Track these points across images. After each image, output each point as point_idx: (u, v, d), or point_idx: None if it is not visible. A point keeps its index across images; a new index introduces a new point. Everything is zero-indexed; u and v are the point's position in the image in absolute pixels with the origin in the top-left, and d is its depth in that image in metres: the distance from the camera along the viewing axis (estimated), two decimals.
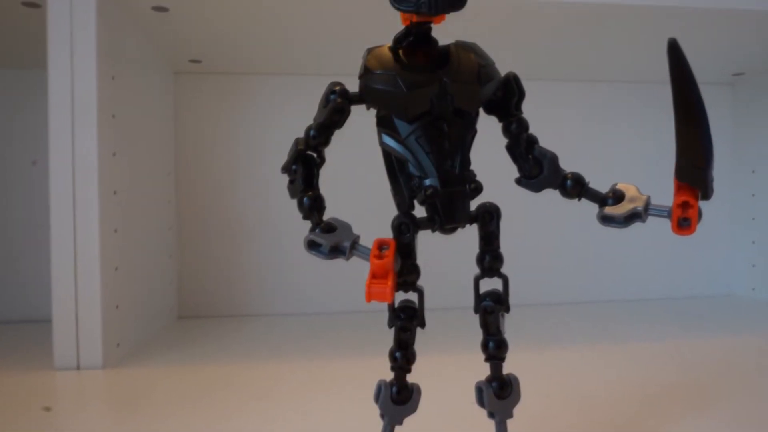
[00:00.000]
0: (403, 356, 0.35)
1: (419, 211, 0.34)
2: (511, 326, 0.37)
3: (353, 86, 0.34)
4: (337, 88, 0.33)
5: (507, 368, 0.36)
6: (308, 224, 0.33)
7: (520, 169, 0.34)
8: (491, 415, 0.35)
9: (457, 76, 0.32)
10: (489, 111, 0.35)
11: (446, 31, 0.34)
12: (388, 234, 0.33)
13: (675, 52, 0.30)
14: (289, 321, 0.91)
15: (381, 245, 0.31)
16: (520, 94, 0.34)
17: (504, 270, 0.35)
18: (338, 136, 0.34)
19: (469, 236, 0.36)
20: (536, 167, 0.34)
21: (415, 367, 0.35)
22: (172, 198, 0.93)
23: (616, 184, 0.33)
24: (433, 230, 0.34)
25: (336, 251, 0.31)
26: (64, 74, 0.61)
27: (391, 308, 0.34)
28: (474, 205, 0.34)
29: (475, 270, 0.35)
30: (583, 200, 0.33)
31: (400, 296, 0.34)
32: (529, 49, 0.87)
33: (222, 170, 0.97)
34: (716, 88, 1.10)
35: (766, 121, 1.04)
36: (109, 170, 0.65)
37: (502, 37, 0.81)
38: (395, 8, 0.31)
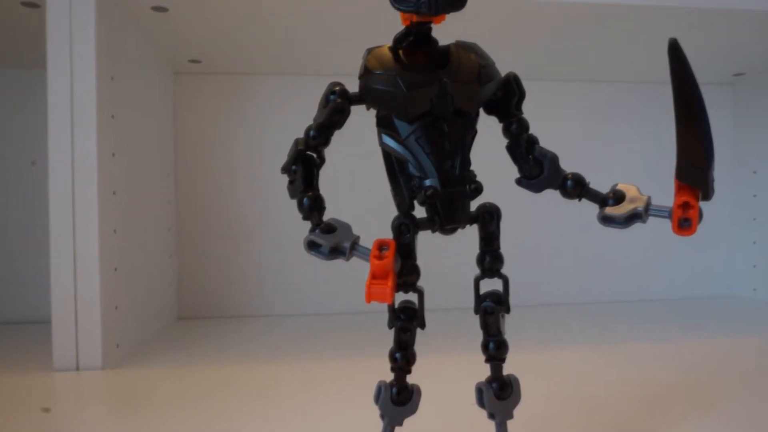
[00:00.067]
0: (403, 357, 0.34)
1: (419, 212, 0.34)
2: (511, 327, 0.37)
3: (353, 86, 0.33)
4: (337, 88, 0.33)
5: (507, 369, 0.36)
6: (308, 225, 0.33)
7: (520, 170, 0.34)
8: (491, 416, 0.35)
9: (457, 76, 0.32)
10: (489, 111, 0.35)
11: (446, 31, 0.34)
12: (388, 234, 0.33)
13: (675, 52, 0.30)
14: (289, 322, 0.91)
15: (381, 246, 0.31)
16: (521, 95, 0.34)
17: (504, 270, 0.35)
18: (338, 137, 0.34)
19: (469, 237, 0.36)
20: (536, 168, 0.34)
21: (415, 368, 0.35)
22: (171, 198, 0.93)
23: (616, 185, 0.33)
24: (433, 231, 0.34)
25: (336, 252, 0.31)
26: (63, 74, 0.61)
27: (391, 309, 0.34)
28: (474, 205, 0.34)
29: (475, 270, 0.35)
30: (584, 201, 0.33)
31: (400, 297, 0.34)
32: (529, 49, 0.87)
33: (222, 170, 0.97)
34: (717, 89, 1.10)
35: (766, 122, 1.04)
36: (109, 170, 0.65)
37: (502, 37, 0.81)
38: (395, 8, 0.31)
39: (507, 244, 0.35)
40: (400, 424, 0.35)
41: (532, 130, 0.34)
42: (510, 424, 0.35)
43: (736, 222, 1.11)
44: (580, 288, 1.05)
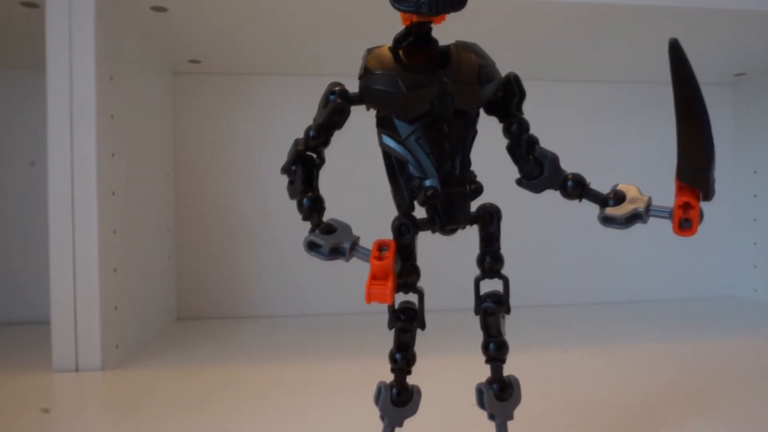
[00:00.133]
0: (403, 358, 0.34)
1: (419, 212, 0.34)
2: (511, 328, 0.37)
3: (353, 86, 0.33)
4: (337, 88, 0.33)
5: (507, 370, 0.36)
6: (308, 225, 0.32)
7: (520, 170, 0.34)
8: (492, 416, 0.35)
9: (457, 76, 0.32)
10: (489, 111, 0.35)
11: (446, 31, 0.34)
12: (388, 235, 0.33)
13: (676, 53, 0.29)
14: (289, 322, 0.91)
15: (381, 246, 0.31)
16: (521, 95, 0.34)
17: (504, 271, 0.35)
18: (338, 137, 0.34)
19: (469, 237, 0.36)
20: (537, 168, 0.33)
21: (415, 369, 0.35)
22: (171, 199, 0.93)
23: (617, 185, 0.33)
24: (434, 231, 0.34)
25: (336, 252, 0.31)
26: (62, 75, 0.61)
27: (391, 309, 0.34)
28: (474, 206, 0.34)
29: (476, 271, 0.35)
30: (584, 201, 0.33)
31: (400, 297, 0.34)
32: (529, 49, 0.87)
33: (221, 171, 0.97)
34: (718, 89, 1.10)
35: (767, 122, 1.04)
36: (108, 171, 0.65)
37: (502, 37, 0.81)
38: (395, 8, 0.31)
39: (507, 245, 0.35)
40: (400, 424, 0.35)
41: (532, 131, 0.34)
42: (510, 425, 0.35)
43: (737, 222, 1.11)
44: (580, 289, 1.05)
